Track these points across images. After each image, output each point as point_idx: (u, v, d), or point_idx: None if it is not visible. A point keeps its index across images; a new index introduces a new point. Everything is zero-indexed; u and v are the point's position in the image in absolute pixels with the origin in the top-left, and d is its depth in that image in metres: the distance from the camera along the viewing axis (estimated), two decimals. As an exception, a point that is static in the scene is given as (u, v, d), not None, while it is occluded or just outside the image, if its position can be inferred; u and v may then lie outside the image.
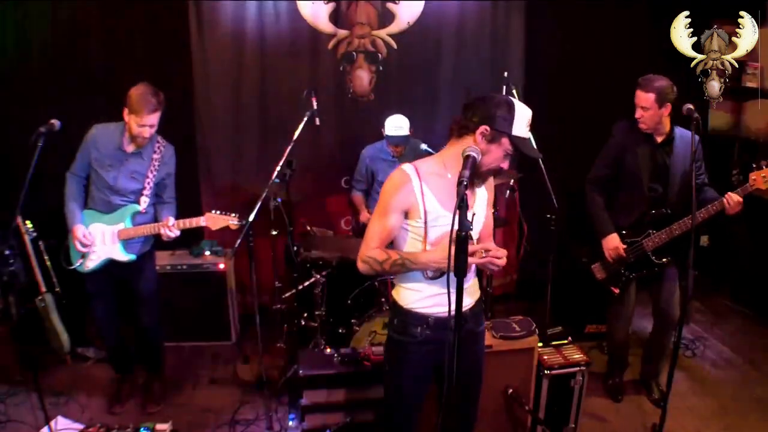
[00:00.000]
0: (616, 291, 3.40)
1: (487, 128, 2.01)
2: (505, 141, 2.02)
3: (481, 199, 2.22)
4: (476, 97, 2.10)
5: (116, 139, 3.09)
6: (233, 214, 3.13)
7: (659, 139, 3.20)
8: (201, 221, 3.11)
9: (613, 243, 3.29)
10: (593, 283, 3.47)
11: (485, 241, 2.31)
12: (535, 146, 2.18)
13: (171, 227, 3.07)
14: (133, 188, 3.13)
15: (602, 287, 3.45)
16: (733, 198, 3.00)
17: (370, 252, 2.13)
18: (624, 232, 3.31)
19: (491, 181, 2.30)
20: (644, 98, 3.07)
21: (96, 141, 3.10)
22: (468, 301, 2.22)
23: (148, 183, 3.13)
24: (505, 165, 2.09)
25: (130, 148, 3.10)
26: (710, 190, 3.24)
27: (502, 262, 2.03)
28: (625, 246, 3.29)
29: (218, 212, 3.12)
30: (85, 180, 3.20)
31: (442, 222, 2.08)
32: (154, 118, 2.99)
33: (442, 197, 2.09)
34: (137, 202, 3.14)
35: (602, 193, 3.38)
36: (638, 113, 3.13)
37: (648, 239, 3.25)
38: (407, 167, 2.12)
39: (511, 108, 2.01)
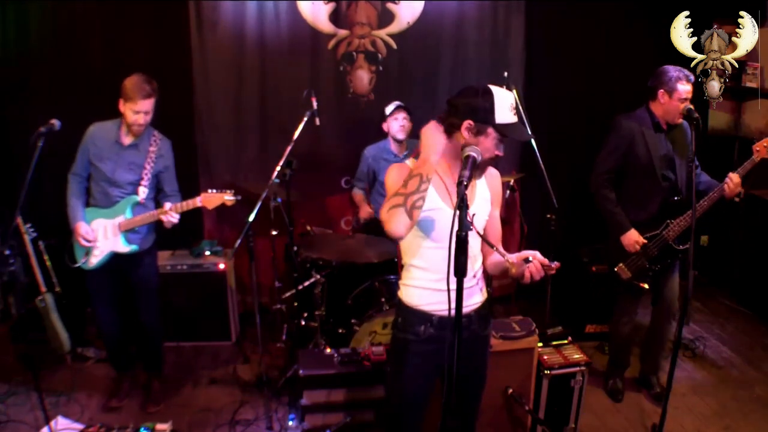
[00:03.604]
0: (646, 287, 3.33)
1: (471, 122, 1.99)
2: (490, 131, 2.00)
3: (482, 198, 2.20)
4: (459, 91, 2.07)
5: (113, 133, 3.14)
6: (228, 191, 3.16)
7: (666, 126, 3.20)
8: (198, 201, 3.14)
9: (633, 238, 3.24)
10: (593, 283, 3.46)
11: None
12: (526, 127, 2.14)
13: (169, 211, 3.10)
14: (131, 179, 3.16)
15: (627, 286, 3.37)
16: (733, 179, 3.04)
17: (386, 207, 1.98)
18: (641, 227, 3.26)
19: (497, 179, 2.28)
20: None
21: (93, 137, 3.15)
22: (474, 302, 2.21)
23: (146, 174, 3.17)
24: (500, 152, 2.06)
25: (127, 140, 3.14)
26: (703, 174, 3.28)
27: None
28: (645, 240, 3.25)
29: (214, 191, 3.16)
30: (86, 181, 3.22)
31: (441, 215, 2.08)
32: (147, 105, 3.04)
33: (441, 192, 2.10)
34: (135, 193, 3.16)
35: (612, 188, 3.33)
36: (684, 105, 3.09)
37: (668, 229, 3.22)
38: (406, 161, 2.20)
39: (489, 96, 1.98)
